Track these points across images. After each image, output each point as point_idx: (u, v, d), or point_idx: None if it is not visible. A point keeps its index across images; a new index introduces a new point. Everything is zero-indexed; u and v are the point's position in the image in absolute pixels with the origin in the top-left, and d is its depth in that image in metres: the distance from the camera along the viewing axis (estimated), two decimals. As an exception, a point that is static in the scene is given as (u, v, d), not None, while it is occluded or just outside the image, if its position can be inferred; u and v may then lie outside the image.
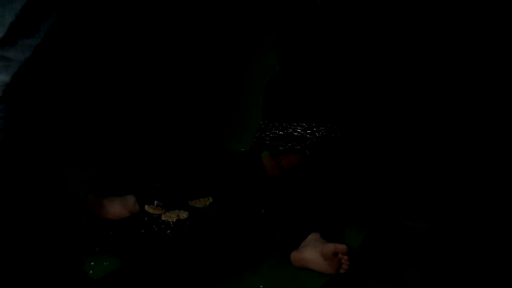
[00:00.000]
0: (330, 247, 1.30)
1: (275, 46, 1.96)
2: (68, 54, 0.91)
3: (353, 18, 2.20)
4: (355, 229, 1.62)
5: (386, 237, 1.65)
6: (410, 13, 2.06)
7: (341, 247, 1.29)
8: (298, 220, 1.52)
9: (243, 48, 2.52)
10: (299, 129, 1.94)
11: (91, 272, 1.35)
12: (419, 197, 1.90)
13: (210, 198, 1.85)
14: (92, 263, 1.39)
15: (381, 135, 2.17)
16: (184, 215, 1.71)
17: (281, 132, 1.97)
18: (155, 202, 1.74)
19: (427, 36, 2.05)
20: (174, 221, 1.67)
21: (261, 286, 1.31)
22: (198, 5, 2.56)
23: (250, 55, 2.49)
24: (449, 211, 1.80)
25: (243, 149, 2.26)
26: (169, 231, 1.60)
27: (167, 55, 2.64)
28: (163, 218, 1.69)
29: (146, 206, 1.72)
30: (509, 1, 1.82)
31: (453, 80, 2.02)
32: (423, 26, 2.04)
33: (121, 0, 2.40)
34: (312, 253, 1.34)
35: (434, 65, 2.06)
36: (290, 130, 1.95)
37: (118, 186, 1.93)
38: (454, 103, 2.03)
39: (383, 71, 2.16)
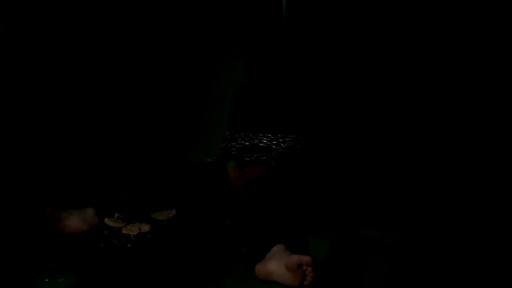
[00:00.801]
0: (294, 258, 1.29)
1: (241, 58, 1.96)
2: (17, 67, 0.87)
3: (318, 31, 2.23)
4: (319, 240, 1.63)
5: (350, 247, 1.66)
6: (374, 28, 2.12)
7: (305, 258, 1.28)
8: (263, 232, 1.51)
9: (208, 58, 2.51)
10: (265, 140, 1.94)
11: (45, 289, 1.28)
12: (383, 207, 1.93)
13: (173, 210, 1.81)
14: (47, 280, 1.33)
15: (346, 146, 2.20)
16: (146, 228, 1.66)
17: (247, 143, 1.97)
18: (115, 215, 1.69)
19: (391, 51, 2.11)
20: (135, 234, 1.62)
21: (225, 300, 1.29)
22: (164, 16, 2.54)
23: (215, 65, 2.48)
24: (414, 221, 1.84)
25: (208, 160, 2.23)
26: (129, 245, 1.55)
27: (131, 64, 2.60)
28: (123, 231, 1.64)
29: (105, 219, 1.67)
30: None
31: (416, 93, 2.09)
32: (385, 41, 2.11)
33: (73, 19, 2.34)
34: (276, 265, 1.33)
35: (397, 77, 2.11)
36: (256, 141, 1.95)
37: (76, 198, 1.87)
38: (417, 112, 2.09)
39: (349, 82, 2.21)
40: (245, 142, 1.97)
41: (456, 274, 1.50)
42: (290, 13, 2.26)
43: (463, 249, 1.64)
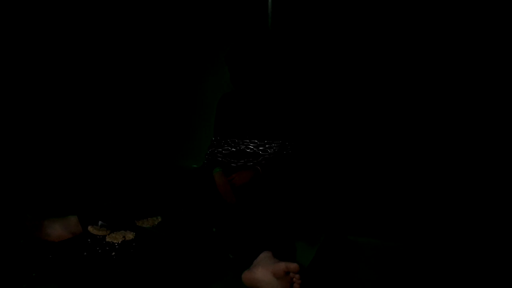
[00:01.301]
0: (282, 266, 1.28)
1: (227, 63, 1.96)
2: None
3: (304, 36, 2.24)
4: (306, 246, 1.62)
5: (337, 253, 1.66)
6: (360, 34, 2.13)
7: (292, 266, 1.27)
8: (250, 239, 1.49)
9: (194, 64, 2.50)
10: (251, 145, 1.93)
11: (25, 300, 1.25)
12: (370, 213, 1.94)
13: (158, 217, 1.79)
14: (27, 291, 1.29)
15: (333, 151, 2.20)
16: (130, 236, 1.63)
17: (234, 148, 1.95)
18: (99, 223, 1.66)
19: (379, 56, 2.12)
20: (119, 242, 1.59)
21: (211, 309, 1.27)
22: (148, 24, 2.53)
23: (200, 71, 2.47)
24: (402, 227, 1.85)
25: (194, 166, 2.21)
26: (114, 253, 1.52)
27: (116, 72, 2.57)
28: (107, 239, 1.60)
29: (89, 226, 1.63)
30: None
31: (405, 99, 2.11)
32: (372, 46, 2.12)
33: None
34: (263, 272, 1.32)
35: (385, 83, 2.13)
36: (243, 147, 1.94)
37: (58, 206, 1.83)
38: (405, 119, 2.11)
39: (335, 87, 2.21)
40: (231, 148, 1.96)
41: (445, 279, 1.50)
42: (276, 18, 2.26)
43: (452, 254, 1.65)
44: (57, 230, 1.58)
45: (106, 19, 2.49)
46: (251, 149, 1.93)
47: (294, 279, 1.28)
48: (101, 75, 2.54)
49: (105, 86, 2.56)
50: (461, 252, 1.66)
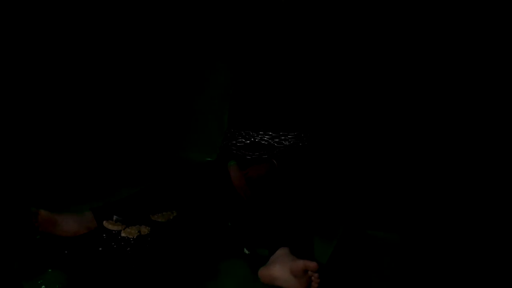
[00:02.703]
0: (300, 264, 1.26)
1: (240, 53, 1.92)
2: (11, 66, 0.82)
3: (320, 23, 2.19)
4: (324, 241, 1.59)
5: (356, 249, 1.63)
6: (372, 22, 2.08)
7: (311, 264, 1.24)
8: (266, 234, 1.47)
9: (207, 55, 2.47)
10: (266, 137, 1.91)
11: (41, 297, 1.25)
12: (388, 207, 1.91)
13: (174, 211, 1.77)
14: (43, 287, 1.29)
15: (349, 143, 2.17)
16: (145, 230, 1.61)
17: (248, 141, 1.93)
18: (114, 217, 1.64)
19: (396, 46, 2.07)
20: (134, 237, 1.57)
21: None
22: (158, 13, 2.50)
23: (213, 62, 2.44)
24: (419, 221, 1.81)
25: (209, 159, 2.20)
26: (129, 248, 1.51)
27: (124, 64, 2.55)
28: (122, 234, 1.59)
29: (104, 221, 1.62)
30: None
31: (420, 89, 2.06)
32: (390, 36, 2.07)
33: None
34: (281, 270, 1.30)
35: (402, 74, 2.08)
36: (257, 139, 1.92)
37: (73, 201, 1.83)
38: (419, 111, 2.06)
39: (352, 77, 2.17)
40: (246, 140, 1.94)
41: (466, 274, 1.47)
42: (291, 5, 2.21)
43: (473, 249, 1.61)
44: (72, 225, 1.57)
45: (120, 20, 2.48)
46: (266, 141, 1.90)
47: (312, 277, 1.26)
48: (111, 71, 2.53)
49: (116, 81, 2.55)
50: (484, 247, 1.62)
